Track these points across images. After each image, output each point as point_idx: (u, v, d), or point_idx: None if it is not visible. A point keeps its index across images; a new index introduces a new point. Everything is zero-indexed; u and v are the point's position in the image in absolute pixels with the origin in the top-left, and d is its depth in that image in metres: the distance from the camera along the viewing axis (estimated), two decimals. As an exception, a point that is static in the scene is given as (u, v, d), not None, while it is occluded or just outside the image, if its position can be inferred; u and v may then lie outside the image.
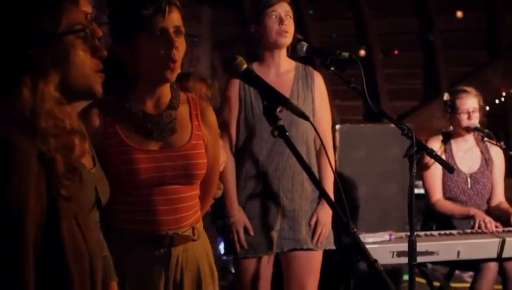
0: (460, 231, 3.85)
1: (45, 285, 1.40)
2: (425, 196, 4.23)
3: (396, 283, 4.75)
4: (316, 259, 3.20)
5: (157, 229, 2.08)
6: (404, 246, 3.12)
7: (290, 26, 3.11)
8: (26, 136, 1.38)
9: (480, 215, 3.92)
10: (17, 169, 1.35)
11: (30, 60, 1.42)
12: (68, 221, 1.44)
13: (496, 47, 8.64)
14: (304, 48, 3.16)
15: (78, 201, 1.48)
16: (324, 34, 9.05)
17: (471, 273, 4.48)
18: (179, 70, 2.09)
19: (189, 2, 8.27)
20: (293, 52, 3.19)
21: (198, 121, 2.17)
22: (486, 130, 4.07)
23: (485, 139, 4.13)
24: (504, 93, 8.38)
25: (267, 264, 3.19)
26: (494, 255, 3.67)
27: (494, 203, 4.21)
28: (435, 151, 3.07)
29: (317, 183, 1.82)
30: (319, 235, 3.16)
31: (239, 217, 3.13)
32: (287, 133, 1.71)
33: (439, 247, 3.57)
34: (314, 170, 3.16)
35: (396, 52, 8.94)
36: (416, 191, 3.17)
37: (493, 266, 3.78)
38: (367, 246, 2.18)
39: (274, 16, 3.09)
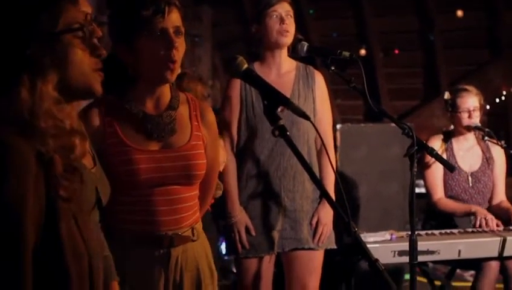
0: (461, 230, 3.85)
1: (44, 285, 1.40)
2: (427, 195, 4.23)
3: (398, 282, 4.75)
4: (317, 259, 3.21)
5: (156, 229, 2.08)
6: (405, 246, 3.12)
7: (290, 26, 3.11)
8: (25, 137, 1.38)
9: (482, 213, 3.92)
10: (15, 169, 1.35)
11: (28, 59, 1.42)
12: (67, 221, 1.44)
13: (496, 46, 8.64)
14: (305, 48, 3.17)
15: (78, 201, 1.48)
16: (324, 34, 9.04)
17: (472, 272, 4.48)
18: (179, 71, 2.09)
19: (189, 2, 8.27)
20: (293, 52, 3.20)
21: (198, 122, 2.18)
22: (486, 129, 4.07)
23: (486, 138, 4.13)
24: (504, 92, 8.38)
25: (268, 264, 3.19)
26: (495, 254, 3.67)
27: (494, 202, 4.21)
28: (435, 150, 3.07)
29: (318, 183, 1.82)
30: (320, 235, 3.16)
31: (240, 217, 3.13)
32: (288, 133, 1.71)
33: (440, 246, 3.57)
34: (315, 169, 3.16)
35: (396, 51, 8.94)
36: (417, 190, 3.17)
37: (495, 265, 3.78)
38: (368, 246, 2.18)
39: (275, 16, 3.10)
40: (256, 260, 3.16)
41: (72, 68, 1.48)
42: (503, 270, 3.84)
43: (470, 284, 4.13)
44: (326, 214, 3.16)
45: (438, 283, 4.46)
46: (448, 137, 4.24)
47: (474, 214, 3.94)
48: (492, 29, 8.59)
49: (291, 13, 3.14)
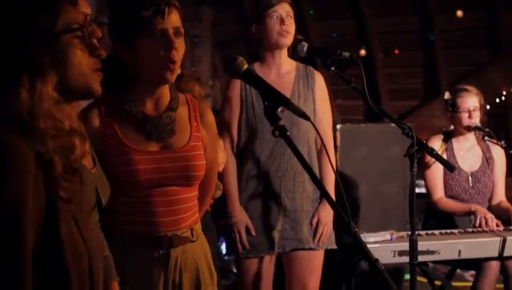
0: (462, 230, 3.85)
1: (44, 285, 1.40)
2: (427, 195, 4.23)
3: (398, 282, 4.76)
4: (317, 259, 3.21)
5: (156, 230, 2.08)
6: (405, 246, 3.12)
7: (290, 27, 3.12)
8: (24, 137, 1.38)
9: (482, 212, 3.92)
10: (15, 170, 1.35)
11: (28, 59, 1.42)
12: (67, 222, 1.44)
13: (496, 46, 8.64)
14: (305, 48, 3.17)
15: (78, 202, 1.48)
16: (324, 34, 9.05)
17: (472, 272, 4.48)
18: (178, 71, 2.09)
19: (190, 3, 8.27)
20: (293, 53, 3.20)
21: (197, 123, 2.18)
22: (486, 129, 4.07)
23: (486, 138, 4.13)
24: (504, 92, 8.38)
25: (268, 264, 3.19)
26: (495, 254, 3.67)
27: (494, 202, 4.21)
28: (435, 150, 3.08)
29: (319, 183, 1.82)
30: (321, 235, 3.16)
31: (241, 217, 3.13)
32: (288, 133, 1.72)
33: (440, 246, 3.57)
34: (316, 170, 3.16)
35: (396, 51, 8.94)
36: (417, 190, 3.17)
37: (495, 265, 3.78)
38: (368, 246, 2.18)
39: (275, 17, 3.10)
40: (256, 260, 3.17)
41: (71, 68, 1.48)
42: (503, 270, 3.85)
43: (470, 284, 4.13)
44: (327, 214, 3.16)
45: (438, 283, 4.46)
46: (448, 137, 4.24)
47: (474, 213, 3.95)
48: (492, 30, 8.60)
49: (292, 14, 3.14)
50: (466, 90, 4.17)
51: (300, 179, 3.13)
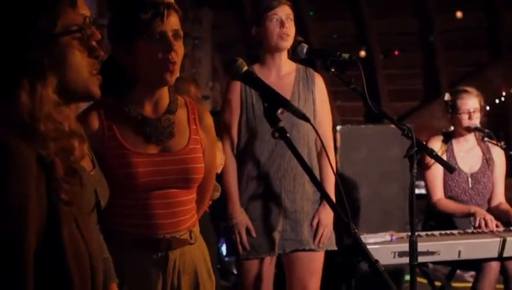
0: (461, 231, 3.86)
1: (46, 288, 1.39)
2: (427, 196, 4.24)
3: (398, 283, 4.76)
4: (317, 260, 3.21)
5: (154, 232, 2.08)
6: (405, 246, 3.12)
7: (290, 29, 3.12)
8: (25, 140, 1.38)
9: (481, 213, 3.93)
10: (17, 174, 1.35)
11: (28, 62, 1.42)
12: (68, 224, 1.44)
13: (496, 46, 8.66)
14: (305, 50, 3.17)
15: (78, 204, 1.48)
16: (324, 35, 9.06)
17: (472, 273, 4.48)
18: (177, 74, 2.10)
19: (190, 4, 8.28)
20: (293, 54, 3.20)
21: (196, 125, 2.18)
22: (486, 130, 4.08)
23: (485, 139, 4.13)
24: (504, 93, 8.39)
25: (269, 265, 3.19)
26: (495, 255, 3.67)
27: (493, 203, 4.21)
28: (435, 152, 3.08)
29: (319, 184, 1.83)
30: (321, 236, 3.16)
31: (241, 218, 3.14)
32: (288, 135, 1.72)
33: (440, 247, 3.58)
34: (316, 171, 3.16)
35: (396, 52, 8.96)
36: (417, 191, 3.18)
37: (495, 266, 3.79)
38: (368, 247, 2.18)
39: (275, 19, 3.10)
40: (257, 261, 3.17)
41: (71, 70, 1.48)
42: (503, 270, 3.85)
43: (470, 284, 4.14)
44: (327, 215, 3.17)
45: (438, 283, 4.46)
46: (448, 138, 4.25)
47: (473, 215, 3.95)
48: (492, 30, 8.61)
49: (292, 16, 3.14)
50: (466, 91, 4.18)
51: (301, 180, 3.14)
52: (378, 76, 9.10)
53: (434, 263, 4.18)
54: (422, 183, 4.37)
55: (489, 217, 3.88)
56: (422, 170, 4.14)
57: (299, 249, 3.16)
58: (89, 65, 1.52)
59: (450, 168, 3.16)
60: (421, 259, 3.18)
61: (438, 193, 4.17)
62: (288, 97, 2.92)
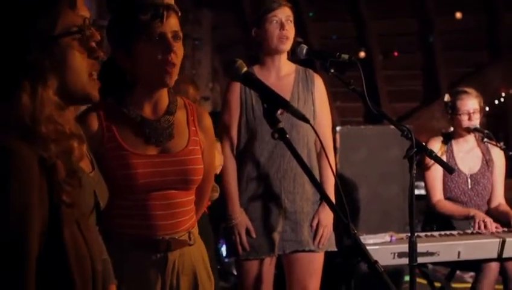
0: (461, 232, 3.86)
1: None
2: (426, 197, 4.24)
3: (398, 283, 4.76)
4: (317, 261, 3.21)
5: (153, 233, 2.08)
6: (404, 247, 3.13)
7: (290, 32, 3.12)
8: (27, 143, 1.38)
9: (480, 216, 3.93)
10: (19, 176, 1.35)
11: (29, 64, 1.42)
12: (70, 226, 1.44)
13: (496, 47, 8.66)
14: (304, 51, 3.18)
15: (79, 206, 1.48)
16: (324, 36, 9.07)
17: (471, 273, 4.49)
18: (177, 75, 2.10)
19: (190, 6, 8.29)
20: (293, 55, 3.21)
21: (195, 127, 2.18)
22: (486, 131, 4.08)
23: (485, 139, 4.14)
24: (503, 94, 8.40)
25: (269, 266, 3.20)
26: (495, 256, 3.68)
27: (493, 204, 4.21)
28: (434, 152, 3.08)
29: (318, 185, 1.83)
30: (321, 237, 3.17)
31: (241, 219, 3.14)
32: (287, 136, 1.72)
33: (440, 248, 3.58)
34: (316, 172, 3.17)
35: (396, 53, 8.96)
36: (417, 192, 3.18)
37: (494, 266, 3.79)
38: (368, 247, 2.18)
39: (275, 21, 3.10)
40: (257, 262, 3.17)
41: (71, 71, 1.48)
42: (502, 271, 3.85)
43: (469, 285, 4.14)
44: (327, 216, 3.17)
45: (437, 284, 4.46)
46: (448, 139, 4.25)
47: (473, 217, 3.95)
48: (492, 31, 8.62)
49: (291, 18, 3.15)
50: (466, 92, 4.18)
51: (301, 181, 3.14)
52: (377, 77, 9.10)
53: (434, 263, 4.18)
54: (422, 184, 4.38)
55: (488, 219, 3.88)
56: (422, 171, 4.14)
57: (298, 249, 3.16)
58: (89, 66, 1.52)
59: (449, 169, 3.16)
60: (420, 260, 3.18)
61: (438, 194, 4.18)
62: (287, 98, 2.92)
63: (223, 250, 5.18)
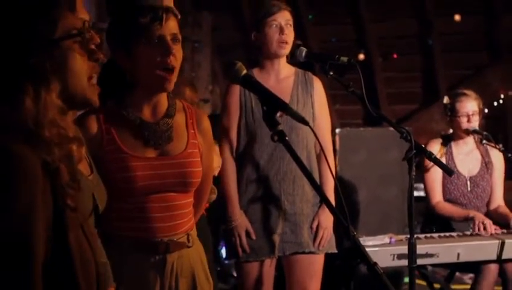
0: (460, 233, 3.87)
1: None
2: (426, 198, 4.25)
3: (397, 285, 4.77)
4: (317, 263, 3.22)
5: (152, 236, 2.09)
6: (404, 249, 3.13)
7: (290, 36, 3.13)
8: (30, 146, 1.38)
9: (480, 217, 3.93)
10: (23, 180, 1.35)
11: (31, 67, 1.42)
12: (75, 230, 1.45)
13: (495, 49, 8.67)
14: (303, 53, 3.19)
15: (79, 209, 1.49)
16: (323, 39, 9.07)
17: (471, 275, 4.49)
18: (176, 78, 2.10)
19: (189, 8, 8.29)
20: (292, 58, 3.22)
21: (194, 130, 2.19)
22: (485, 133, 4.08)
23: (484, 141, 4.14)
24: (502, 96, 8.40)
25: (269, 268, 3.20)
26: (494, 257, 3.69)
27: (492, 206, 4.22)
28: (433, 154, 3.09)
29: (318, 188, 1.84)
30: (321, 239, 3.17)
31: (241, 221, 3.15)
32: (287, 138, 1.73)
33: (439, 249, 3.59)
34: (315, 174, 3.17)
35: (395, 56, 8.96)
36: (416, 193, 3.19)
37: (494, 268, 3.79)
38: (367, 249, 2.19)
39: (274, 25, 3.11)
40: (257, 264, 3.18)
41: (71, 74, 1.49)
42: (502, 273, 3.86)
43: (469, 287, 4.15)
44: (327, 218, 3.17)
45: (437, 286, 4.46)
46: (447, 141, 4.26)
47: (472, 219, 3.95)
48: (491, 33, 8.62)
49: (291, 22, 3.16)
50: (465, 94, 4.19)
51: (300, 183, 3.15)
52: (377, 79, 9.10)
53: (433, 265, 4.18)
54: (421, 185, 4.38)
55: (488, 221, 3.89)
56: (421, 173, 4.15)
57: (298, 251, 3.17)
58: (89, 68, 1.53)
59: (448, 171, 3.17)
60: (420, 261, 3.18)
61: (437, 196, 4.18)
62: (287, 101, 2.92)
63: (223, 252, 5.19)
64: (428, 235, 3.87)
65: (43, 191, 1.38)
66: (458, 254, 3.61)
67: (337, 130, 4.88)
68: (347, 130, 5.10)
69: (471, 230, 3.92)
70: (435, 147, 4.16)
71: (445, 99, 4.27)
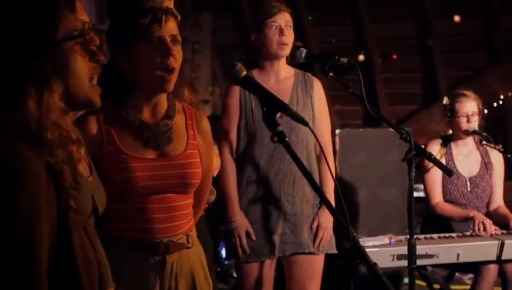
0: (460, 234, 3.87)
1: None
2: (426, 199, 4.25)
3: (397, 286, 4.78)
4: (317, 263, 3.22)
5: (152, 236, 2.09)
6: (404, 249, 3.13)
7: (289, 37, 3.14)
8: (33, 148, 1.38)
9: (480, 217, 3.94)
10: (27, 181, 1.35)
11: (33, 69, 1.42)
12: (78, 232, 1.45)
13: (494, 50, 8.68)
14: (303, 54, 3.19)
15: (81, 210, 1.49)
16: (323, 40, 9.07)
17: (471, 275, 4.49)
18: (175, 79, 2.11)
19: (190, 9, 8.30)
20: (292, 59, 3.22)
21: (194, 131, 2.19)
22: (484, 134, 4.09)
23: (484, 142, 4.15)
24: (502, 97, 8.41)
25: (269, 269, 3.21)
26: (494, 258, 3.69)
27: (492, 207, 4.23)
28: (433, 155, 3.10)
29: (318, 189, 1.84)
30: (321, 239, 3.18)
31: (241, 221, 3.15)
32: (287, 139, 1.74)
33: (439, 250, 3.59)
34: (315, 175, 3.18)
35: (394, 56, 8.96)
36: (416, 194, 3.20)
37: (493, 268, 3.80)
38: (367, 250, 2.20)
39: (274, 27, 3.12)
40: (257, 265, 3.18)
41: (73, 76, 1.49)
42: (501, 273, 3.86)
43: (468, 287, 4.16)
44: (327, 218, 3.18)
45: (437, 286, 4.47)
46: (447, 142, 4.26)
47: (472, 219, 3.96)
48: (490, 34, 8.63)
49: (291, 23, 3.16)
50: (464, 95, 4.20)
51: (300, 184, 3.15)
52: (376, 80, 9.11)
53: (433, 265, 4.19)
54: (421, 186, 4.39)
55: (488, 221, 3.89)
56: (421, 174, 4.16)
57: (298, 252, 3.17)
58: (91, 69, 1.53)
59: (448, 171, 3.18)
60: (419, 262, 3.18)
61: (437, 197, 4.19)
62: (286, 101, 2.93)
63: (223, 252, 5.19)
64: (428, 235, 3.87)
65: (47, 193, 1.38)
66: (458, 255, 3.61)
67: (337, 131, 4.89)
68: (347, 131, 5.11)
69: (470, 231, 3.93)
70: (435, 148, 4.17)
71: (445, 100, 4.28)
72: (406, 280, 4.08)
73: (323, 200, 1.76)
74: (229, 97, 3.19)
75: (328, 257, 3.29)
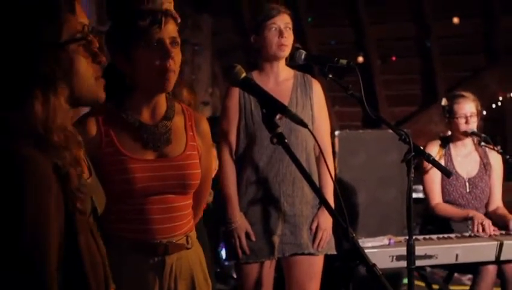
0: (459, 235, 3.88)
1: None
2: (425, 200, 4.26)
3: (396, 286, 4.78)
4: (317, 264, 3.23)
5: (151, 237, 2.09)
6: (403, 250, 3.12)
7: (289, 39, 3.15)
8: (40, 151, 1.38)
9: (479, 217, 3.95)
10: (36, 185, 1.35)
11: (39, 72, 1.43)
12: (85, 234, 1.46)
13: (493, 52, 8.69)
14: (302, 56, 3.20)
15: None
16: (322, 41, 9.09)
17: (469, 276, 4.50)
18: (175, 81, 2.12)
19: (189, 11, 8.31)
20: (291, 61, 3.23)
21: (193, 132, 2.20)
22: (483, 135, 4.09)
23: (482, 143, 4.16)
24: (501, 98, 8.42)
25: (268, 269, 3.21)
26: (492, 258, 3.69)
27: (491, 208, 4.23)
28: (432, 156, 3.10)
29: (317, 190, 1.84)
30: (320, 240, 3.18)
31: (241, 222, 3.16)
32: (286, 140, 1.74)
33: (438, 250, 3.59)
34: (315, 177, 3.19)
35: (394, 58, 8.98)
36: (415, 195, 3.20)
37: (492, 269, 3.80)
38: (366, 251, 2.21)
39: (274, 29, 3.13)
40: (256, 265, 3.19)
41: (78, 76, 1.49)
42: (500, 274, 3.87)
43: (467, 288, 4.16)
44: (326, 219, 3.18)
45: (436, 287, 4.48)
46: (446, 143, 4.27)
47: (471, 219, 3.97)
48: (489, 36, 8.64)
49: (290, 25, 3.17)
50: (463, 96, 4.21)
51: (300, 185, 3.16)
52: (375, 81, 9.12)
53: (432, 266, 4.19)
54: (420, 187, 4.40)
55: (487, 221, 3.90)
56: (420, 175, 4.17)
57: (298, 253, 3.18)
58: (93, 69, 1.54)
59: (447, 172, 3.18)
60: (418, 263, 3.18)
61: (436, 197, 4.19)
62: (286, 103, 2.94)
63: (223, 253, 5.20)
64: (427, 236, 3.87)
65: (55, 195, 1.38)
66: (457, 255, 3.61)
67: (336, 132, 4.90)
68: (346, 132, 5.11)
69: (469, 231, 3.94)
70: (434, 149, 4.18)
71: (444, 101, 4.28)
72: (405, 281, 4.09)
73: (323, 201, 1.76)
74: (229, 99, 3.20)
75: (328, 258, 3.30)
